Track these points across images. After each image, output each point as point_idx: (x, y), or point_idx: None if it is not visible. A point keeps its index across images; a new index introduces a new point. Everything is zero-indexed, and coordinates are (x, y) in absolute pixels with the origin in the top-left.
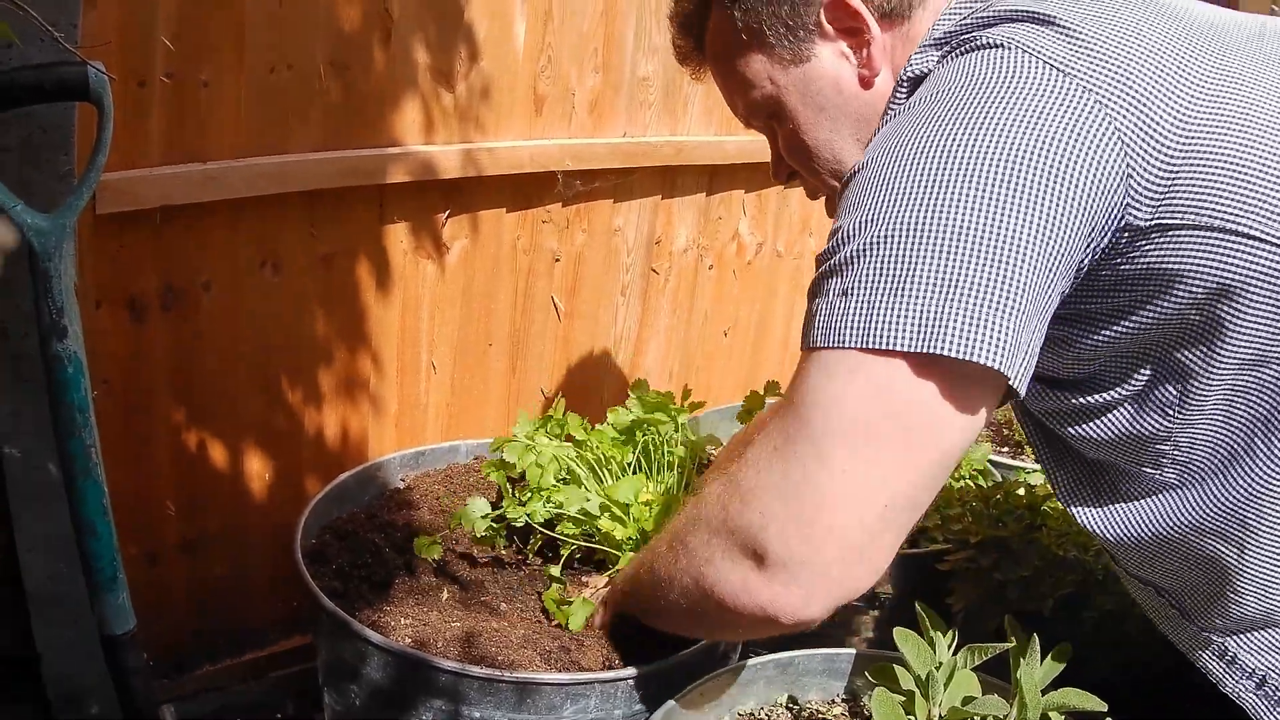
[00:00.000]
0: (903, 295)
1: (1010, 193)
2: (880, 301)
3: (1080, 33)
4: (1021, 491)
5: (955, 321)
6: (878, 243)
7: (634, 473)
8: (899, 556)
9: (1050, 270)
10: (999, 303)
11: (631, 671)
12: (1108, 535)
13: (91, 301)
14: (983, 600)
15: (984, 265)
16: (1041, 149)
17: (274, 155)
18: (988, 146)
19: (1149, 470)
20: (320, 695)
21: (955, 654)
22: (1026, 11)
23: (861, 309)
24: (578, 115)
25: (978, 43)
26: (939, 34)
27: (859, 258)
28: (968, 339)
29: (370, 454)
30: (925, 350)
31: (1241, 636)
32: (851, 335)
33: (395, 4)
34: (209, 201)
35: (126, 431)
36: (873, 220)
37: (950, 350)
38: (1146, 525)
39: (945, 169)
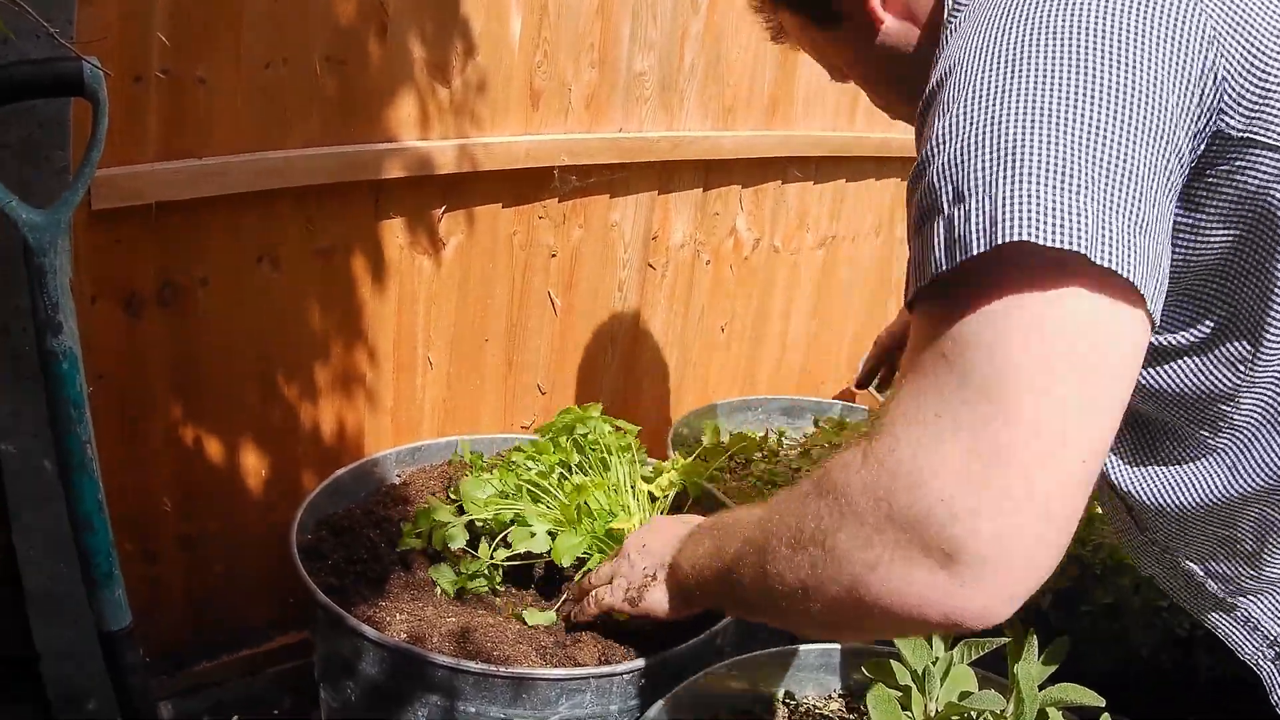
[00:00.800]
0: (1031, 186)
1: (1105, 85)
2: (1001, 201)
3: None
4: None
5: (1084, 215)
6: (972, 157)
7: (577, 471)
8: None
9: (1158, 163)
10: (1125, 200)
11: (627, 666)
12: (1145, 499)
13: (87, 297)
14: None
15: (1090, 161)
16: (1135, 38)
17: (270, 150)
18: (1080, 37)
19: (1204, 432)
20: (317, 691)
21: (952, 649)
22: None
23: (980, 213)
24: (574, 110)
25: None
26: None
27: (957, 175)
28: (1102, 237)
29: (367, 449)
30: (1074, 248)
31: (1268, 598)
32: (982, 236)
33: None
34: (205, 197)
35: (123, 427)
36: (966, 141)
37: (1120, 267)
38: (1190, 493)
39: (1034, 73)
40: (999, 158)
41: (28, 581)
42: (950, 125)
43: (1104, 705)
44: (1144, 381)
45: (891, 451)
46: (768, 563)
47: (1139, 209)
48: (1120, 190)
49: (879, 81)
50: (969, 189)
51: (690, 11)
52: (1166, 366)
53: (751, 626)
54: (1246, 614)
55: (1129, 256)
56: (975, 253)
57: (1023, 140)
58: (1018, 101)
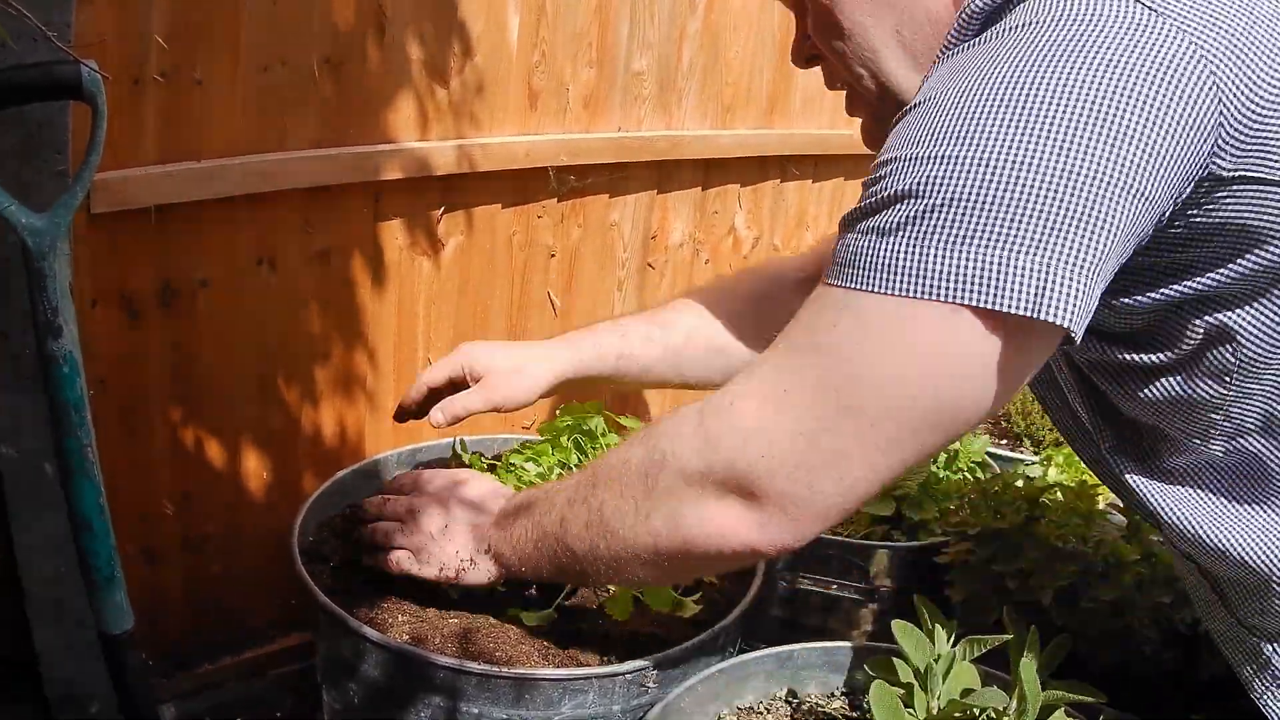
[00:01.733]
0: (965, 241)
1: (1096, 135)
2: (937, 245)
3: None
4: (1020, 483)
5: (1024, 274)
6: (939, 179)
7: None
8: (898, 549)
9: (1133, 221)
10: (1075, 254)
11: (630, 666)
12: (1151, 505)
13: (87, 300)
14: (982, 592)
15: (1061, 212)
16: (1132, 90)
17: (269, 153)
18: (1072, 85)
19: (1196, 441)
20: (319, 693)
21: (954, 646)
22: None
23: (913, 251)
24: (572, 110)
25: None
26: None
27: (915, 194)
28: (1039, 294)
29: (367, 451)
30: (987, 306)
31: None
32: (899, 281)
33: (389, 1)
34: (204, 200)
35: (123, 430)
36: (935, 154)
37: (1016, 307)
38: (1193, 504)
39: (1023, 106)
40: (945, 209)
41: (29, 584)
42: (913, 156)
43: (1106, 702)
44: (1133, 393)
45: (731, 410)
46: (597, 519)
47: (1091, 259)
48: (1071, 242)
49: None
50: (905, 229)
51: (688, 11)
52: (1155, 379)
53: (754, 626)
54: (1257, 649)
55: (1062, 306)
56: (892, 293)
57: (975, 194)
58: (984, 151)
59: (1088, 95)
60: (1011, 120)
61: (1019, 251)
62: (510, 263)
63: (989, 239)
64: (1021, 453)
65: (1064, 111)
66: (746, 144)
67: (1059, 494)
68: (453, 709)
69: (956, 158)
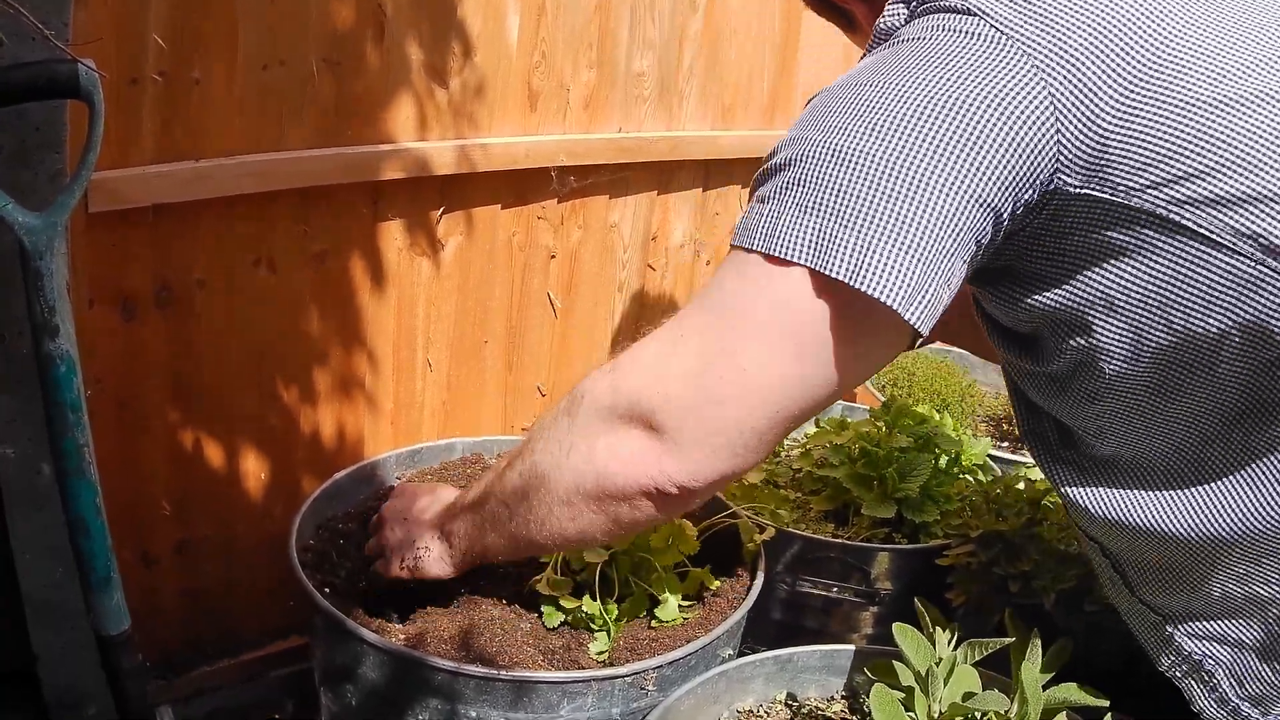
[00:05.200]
0: (811, 212)
1: (931, 142)
2: (789, 213)
3: None
4: (1021, 486)
5: (850, 247)
6: (805, 158)
7: None
8: (899, 552)
9: (965, 221)
10: (899, 238)
11: (629, 669)
12: (1070, 495)
13: (84, 300)
14: (983, 595)
15: (894, 202)
16: (969, 106)
17: (267, 153)
18: (923, 101)
19: (1091, 439)
20: (317, 695)
21: (955, 649)
22: None
23: (770, 216)
24: (572, 111)
25: (938, 5)
26: None
27: (786, 168)
28: (859, 266)
29: (366, 453)
30: (818, 269)
31: (1185, 624)
32: (758, 239)
33: (388, 0)
34: (202, 199)
35: (120, 431)
36: (810, 139)
37: (839, 274)
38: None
39: (881, 114)
40: (802, 185)
41: (25, 586)
42: (796, 138)
43: (1107, 705)
44: (1036, 390)
45: (634, 356)
46: (529, 468)
47: (916, 246)
48: (898, 228)
49: None
50: (771, 198)
51: (689, 11)
52: (1045, 376)
53: (754, 629)
54: (1159, 625)
55: (884, 282)
56: (755, 249)
57: (829, 178)
58: (845, 144)
59: (929, 109)
60: (867, 122)
61: (847, 228)
62: (510, 264)
63: (828, 214)
64: (1022, 456)
65: (907, 122)
66: (748, 145)
67: None
68: (451, 712)
69: (822, 144)
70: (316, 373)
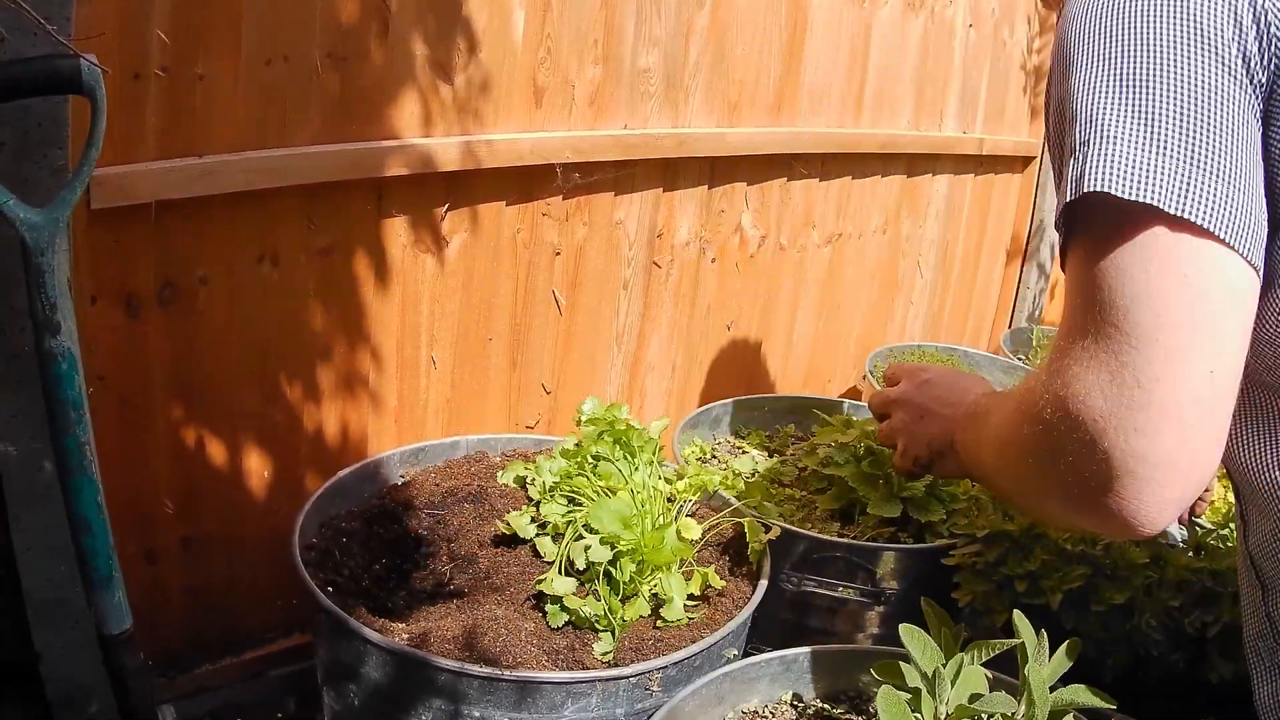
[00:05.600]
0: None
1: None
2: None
3: None
4: None
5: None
6: (1087, 97)
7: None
8: (905, 551)
9: (1247, 117)
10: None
11: (633, 669)
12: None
13: (87, 297)
14: (990, 595)
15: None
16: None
17: (271, 149)
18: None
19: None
20: (319, 694)
21: (962, 650)
22: None
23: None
24: (578, 107)
25: None
26: None
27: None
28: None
29: (370, 450)
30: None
31: None
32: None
33: None
34: (205, 195)
35: (123, 428)
36: (1077, 77)
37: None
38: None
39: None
40: (1098, 120)
41: (27, 584)
42: (1066, 83)
43: (1115, 707)
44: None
45: (1054, 377)
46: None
47: (1220, 164)
48: (1201, 149)
49: None
50: (1083, 141)
51: (695, 7)
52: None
53: (760, 629)
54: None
55: (1207, 209)
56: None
57: (1113, 108)
58: (1108, 74)
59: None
60: (1114, 63)
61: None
62: (515, 260)
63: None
64: None
65: (1149, 43)
66: (753, 142)
67: None
68: (454, 712)
69: (1087, 101)
70: (320, 370)
